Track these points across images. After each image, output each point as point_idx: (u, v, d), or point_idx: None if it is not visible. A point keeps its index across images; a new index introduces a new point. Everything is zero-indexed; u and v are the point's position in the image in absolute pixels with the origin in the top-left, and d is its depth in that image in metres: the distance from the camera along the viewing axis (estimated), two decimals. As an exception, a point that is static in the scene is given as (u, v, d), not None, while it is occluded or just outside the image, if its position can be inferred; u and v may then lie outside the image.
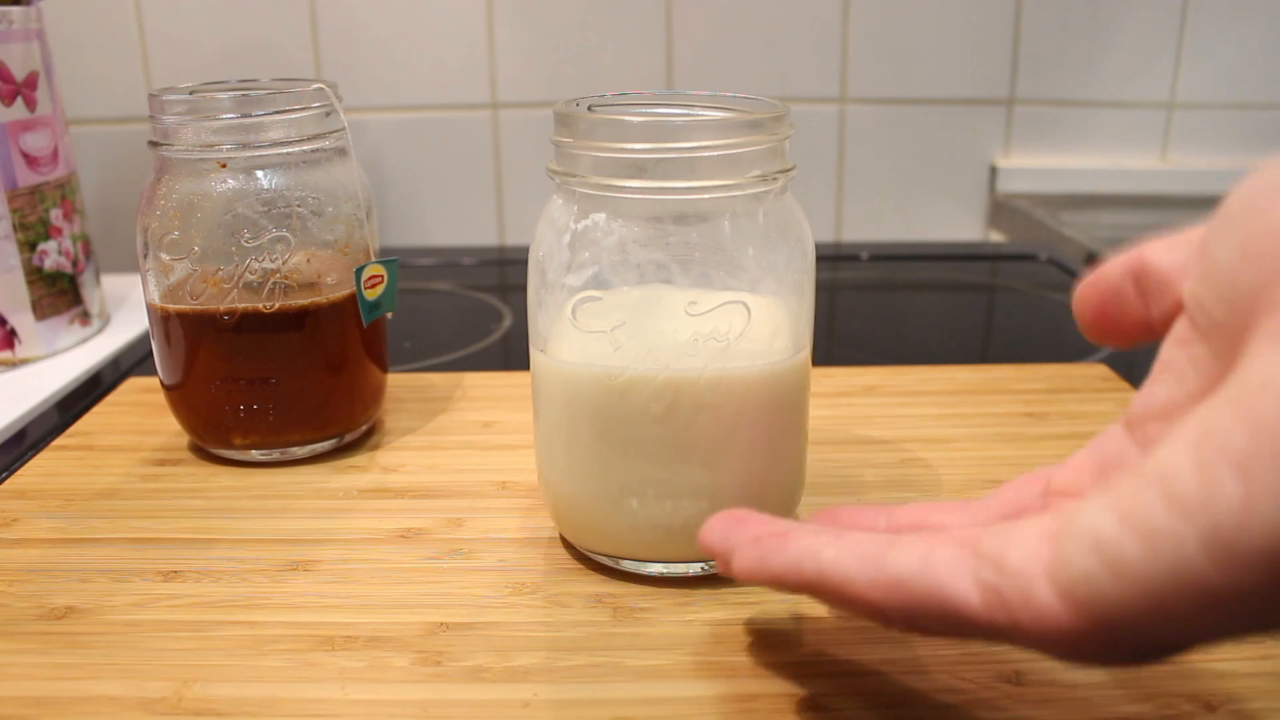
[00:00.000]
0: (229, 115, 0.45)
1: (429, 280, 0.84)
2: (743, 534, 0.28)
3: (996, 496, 0.31)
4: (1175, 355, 0.26)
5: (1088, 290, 0.29)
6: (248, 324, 0.46)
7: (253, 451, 0.48)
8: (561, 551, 0.40)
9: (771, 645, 0.34)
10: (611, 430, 0.36)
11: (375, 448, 0.50)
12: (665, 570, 0.38)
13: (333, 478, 0.47)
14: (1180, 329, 0.26)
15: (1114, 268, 0.28)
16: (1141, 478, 0.19)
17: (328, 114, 0.47)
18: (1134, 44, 0.92)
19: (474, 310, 0.77)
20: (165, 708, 0.32)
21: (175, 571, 0.39)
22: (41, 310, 0.64)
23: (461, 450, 0.50)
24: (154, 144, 0.46)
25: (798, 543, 0.26)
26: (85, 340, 0.67)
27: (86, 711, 0.32)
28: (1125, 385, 0.56)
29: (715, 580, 0.38)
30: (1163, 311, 0.27)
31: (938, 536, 0.24)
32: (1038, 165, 0.96)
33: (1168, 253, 0.27)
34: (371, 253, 0.49)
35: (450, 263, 0.89)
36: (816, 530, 0.26)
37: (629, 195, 0.35)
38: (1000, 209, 0.97)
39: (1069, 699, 0.31)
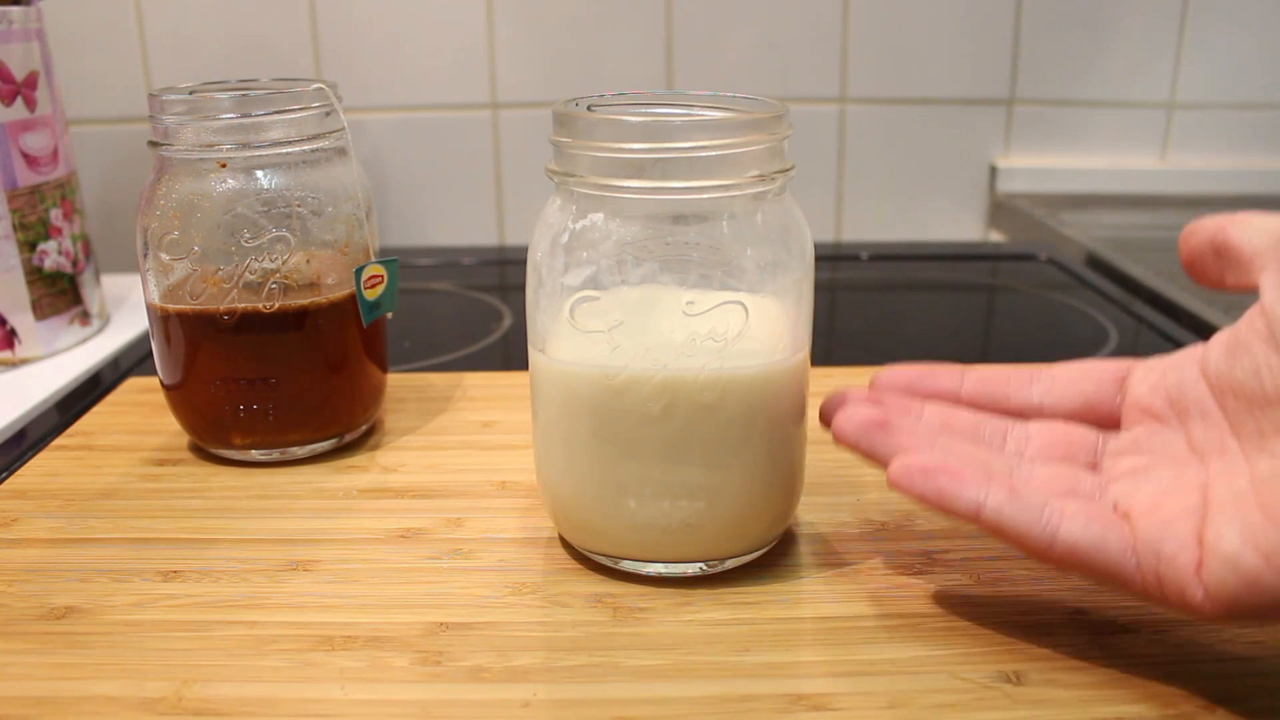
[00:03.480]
0: (229, 115, 0.45)
1: (429, 280, 0.84)
2: (892, 443, 0.34)
3: (1072, 385, 0.37)
4: (1252, 344, 0.31)
5: (1183, 242, 0.33)
6: (248, 324, 0.46)
7: (252, 451, 0.48)
8: (561, 551, 0.40)
9: (771, 645, 0.34)
10: (609, 430, 0.36)
11: (375, 448, 0.50)
12: (664, 570, 0.38)
13: (333, 478, 0.47)
14: (1258, 322, 0.31)
15: (1202, 231, 0.32)
16: (1269, 517, 0.28)
17: (328, 114, 0.47)
18: (1134, 44, 0.92)
19: (474, 310, 0.77)
20: (165, 708, 0.32)
21: (175, 571, 0.39)
22: (41, 310, 0.64)
23: (461, 450, 0.50)
24: (154, 144, 0.46)
25: (972, 489, 0.32)
26: (85, 340, 0.67)
27: (86, 711, 0.32)
28: (1125, 385, 0.56)
29: (714, 580, 0.38)
30: (1237, 282, 0.32)
31: (1095, 507, 0.31)
32: (1038, 165, 0.96)
33: (1246, 235, 0.31)
34: (371, 253, 0.49)
35: (450, 263, 0.89)
36: (982, 475, 0.32)
37: (628, 195, 0.35)
38: (1000, 209, 0.97)
39: (1069, 699, 0.31)
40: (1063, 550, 0.31)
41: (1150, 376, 0.36)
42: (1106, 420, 0.37)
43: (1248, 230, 0.31)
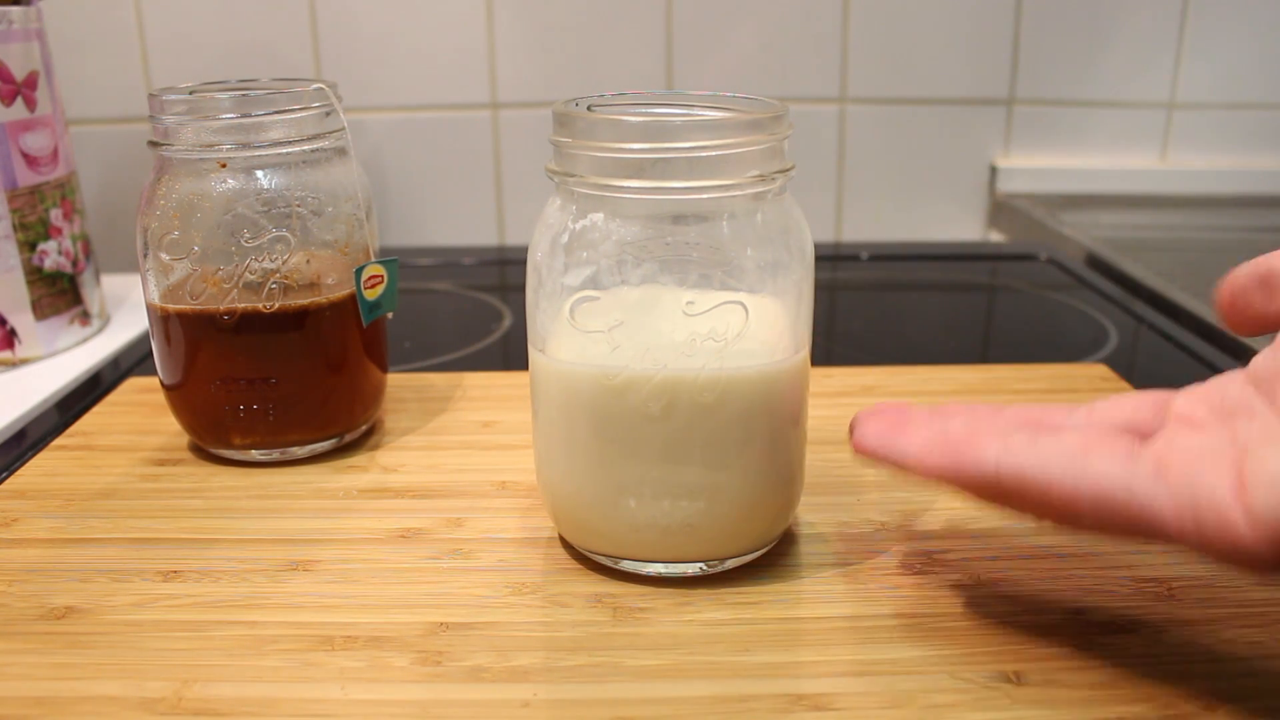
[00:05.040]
0: (229, 115, 0.45)
1: (429, 280, 0.84)
2: (914, 438, 0.32)
3: (1112, 407, 0.34)
4: None
5: (1221, 288, 0.33)
6: (248, 324, 0.46)
7: (253, 451, 0.48)
8: (561, 551, 0.40)
9: (771, 645, 0.34)
10: (609, 430, 0.36)
11: (375, 448, 0.50)
12: (664, 570, 0.38)
13: (333, 478, 0.47)
14: None
15: (1243, 269, 0.33)
16: None
17: (328, 114, 0.47)
18: (1134, 44, 0.92)
19: (474, 310, 0.77)
20: (165, 708, 0.32)
21: (175, 571, 0.39)
22: (41, 310, 0.64)
23: (461, 450, 0.50)
24: (154, 144, 0.46)
25: (992, 443, 0.29)
26: (85, 340, 0.67)
27: (86, 711, 0.32)
28: (1125, 385, 0.56)
29: (714, 580, 0.38)
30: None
31: (1121, 445, 0.29)
32: (1037, 165, 0.96)
33: None
34: (371, 253, 0.49)
35: (450, 263, 0.89)
36: (1002, 432, 0.30)
37: (627, 195, 0.35)
38: (1000, 209, 0.97)
39: (1069, 699, 0.31)
40: (1090, 490, 0.28)
41: (1193, 394, 0.33)
42: (1146, 435, 0.34)
43: None
